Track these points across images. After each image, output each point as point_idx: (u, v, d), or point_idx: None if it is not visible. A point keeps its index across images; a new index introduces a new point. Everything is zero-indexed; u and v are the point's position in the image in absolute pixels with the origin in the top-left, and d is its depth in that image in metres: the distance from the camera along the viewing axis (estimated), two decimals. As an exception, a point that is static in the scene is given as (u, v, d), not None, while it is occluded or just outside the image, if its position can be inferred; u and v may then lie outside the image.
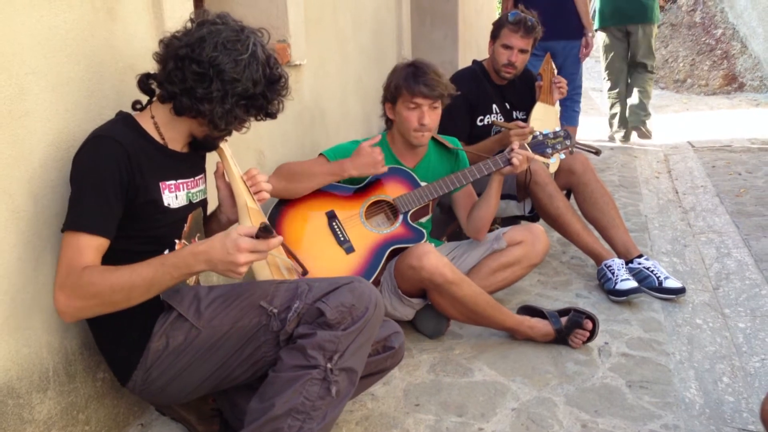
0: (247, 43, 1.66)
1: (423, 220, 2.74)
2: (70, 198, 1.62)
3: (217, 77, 1.63)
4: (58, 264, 1.58)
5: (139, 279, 1.57)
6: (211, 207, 2.04)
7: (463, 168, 2.74)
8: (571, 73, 5.20)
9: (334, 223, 2.53)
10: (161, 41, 1.71)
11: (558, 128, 2.81)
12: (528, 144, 2.72)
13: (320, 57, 3.33)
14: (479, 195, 2.75)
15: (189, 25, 1.69)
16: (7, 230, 1.57)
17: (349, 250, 2.49)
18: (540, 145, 2.73)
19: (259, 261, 1.77)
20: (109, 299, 1.58)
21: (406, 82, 2.58)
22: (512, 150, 2.57)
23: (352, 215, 2.57)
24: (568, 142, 2.77)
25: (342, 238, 2.51)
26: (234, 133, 1.82)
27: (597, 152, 3.09)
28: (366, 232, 2.54)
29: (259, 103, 1.73)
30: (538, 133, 2.78)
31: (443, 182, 2.64)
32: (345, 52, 3.71)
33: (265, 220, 2.03)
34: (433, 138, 2.78)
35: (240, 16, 1.75)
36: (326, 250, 2.50)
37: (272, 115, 1.80)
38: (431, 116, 2.60)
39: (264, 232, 1.54)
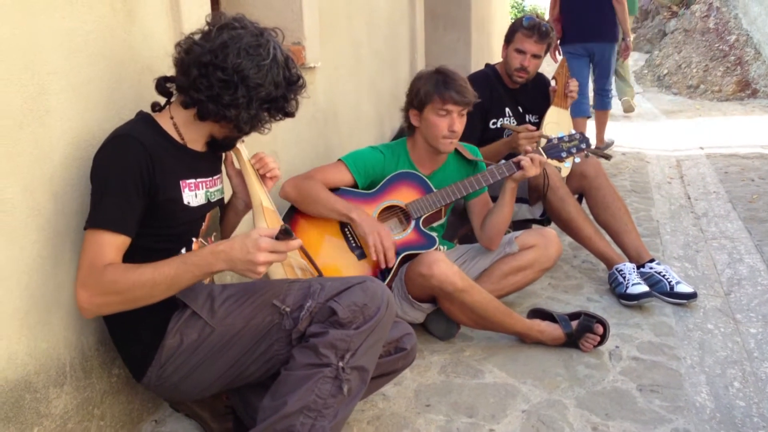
0: (268, 47, 1.69)
1: (435, 224, 2.75)
2: (92, 196, 1.64)
3: (242, 83, 1.66)
4: (80, 261, 1.61)
5: (161, 277, 1.59)
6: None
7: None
8: (605, 70, 5.77)
9: (346, 229, 2.55)
10: (179, 44, 1.73)
11: (573, 131, 2.80)
12: (542, 148, 2.71)
13: (334, 60, 3.36)
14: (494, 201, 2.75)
15: (207, 28, 1.72)
16: (27, 227, 1.60)
17: (361, 256, 2.51)
18: (554, 149, 2.73)
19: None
20: (131, 296, 1.60)
21: (436, 88, 2.56)
22: (523, 154, 2.58)
23: None
24: (583, 146, 2.75)
25: (354, 244, 2.52)
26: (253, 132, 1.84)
27: (607, 157, 3.08)
28: None
29: (280, 105, 1.76)
30: (553, 137, 2.77)
31: (455, 187, 2.64)
32: (359, 56, 3.74)
33: (281, 220, 2.06)
34: None
35: (256, 19, 1.77)
36: (338, 255, 2.51)
37: (291, 114, 1.83)
38: (461, 123, 2.59)
39: (284, 234, 1.55)
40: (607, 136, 6.34)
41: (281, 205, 2.40)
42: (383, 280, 2.46)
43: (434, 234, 2.62)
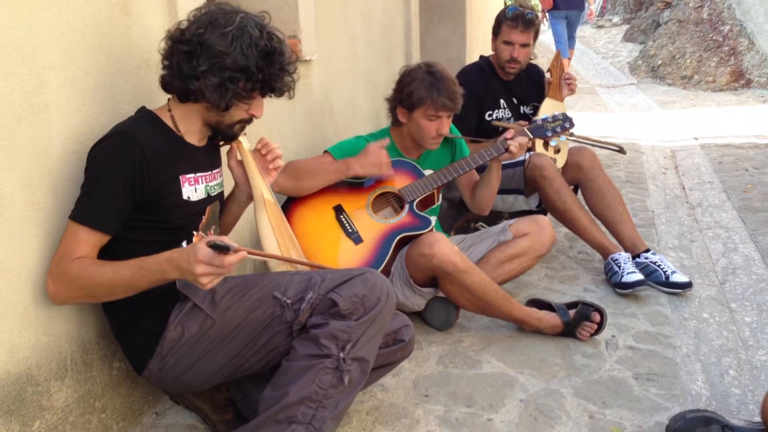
0: (235, 18, 1.67)
1: (430, 208, 2.77)
2: (82, 188, 1.65)
3: (203, 52, 1.65)
4: (56, 250, 1.62)
5: (119, 279, 1.59)
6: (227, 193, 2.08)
7: (465, 155, 2.80)
8: (574, 27, 9.03)
9: (342, 216, 2.56)
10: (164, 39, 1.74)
11: (556, 112, 2.86)
12: (528, 129, 2.77)
13: (330, 53, 3.36)
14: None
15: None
16: (27, 221, 1.60)
17: (358, 240, 2.52)
18: (540, 129, 2.79)
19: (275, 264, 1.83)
20: (93, 293, 1.63)
21: (428, 93, 2.55)
22: (509, 137, 2.63)
23: (359, 208, 2.60)
24: (567, 125, 2.81)
25: (350, 230, 2.53)
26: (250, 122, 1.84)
27: (621, 150, 3.09)
28: (373, 223, 2.57)
29: (256, 77, 1.70)
30: (537, 119, 2.84)
31: (447, 170, 2.68)
32: (354, 48, 3.74)
33: (282, 213, 2.06)
34: None
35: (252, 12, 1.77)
36: (335, 242, 2.53)
37: (279, 91, 1.79)
38: (448, 125, 2.65)
39: (215, 248, 1.46)
40: (607, 133, 6.58)
41: (281, 197, 2.40)
42: (380, 263, 2.47)
43: (430, 216, 2.64)
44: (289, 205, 2.58)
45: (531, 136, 2.74)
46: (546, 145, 3.38)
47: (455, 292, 2.52)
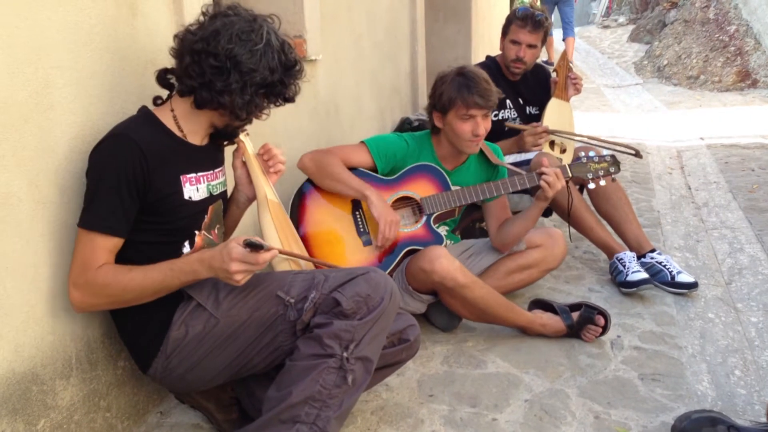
0: (261, 32, 1.68)
1: (448, 219, 2.76)
2: (86, 194, 1.65)
3: (234, 69, 1.66)
4: (73, 259, 1.64)
5: (150, 282, 1.65)
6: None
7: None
8: (567, 14, 10.25)
9: (357, 213, 2.55)
10: (176, 36, 1.74)
11: (605, 152, 2.74)
12: (569, 165, 2.68)
13: (335, 52, 3.36)
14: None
15: (202, 18, 1.72)
16: (34, 220, 1.61)
17: (367, 242, 2.52)
18: (582, 168, 2.68)
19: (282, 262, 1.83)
20: (121, 299, 1.66)
21: (459, 93, 2.51)
22: (544, 171, 2.51)
23: None
24: (612, 170, 2.69)
25: (362, 229, 2.53)
26: (254, 121, 1.84)
27: (637, 154, 3.02)
28: None
29: (277, 90, 1.75)
30: (582, 155, 2.72)
31: (473, 190, 2.62)
32: (359, 48, 3.74)
33: (286, 213, 2.06)
34: None
35: (257, 11, 1.77)
36: (345, 238, 2.52)
37: (291, 100, 1.82)
38: (485, 125, 2.56)
39: (250, 247, 1.57)
40: (612, 133, 6.60)
41: (285, 197, 2.40)
42: (386, 268, 2.47)
43: (443, 232, 2.63)
44: (311, 186, 2.58)
45: (570, 175, 2.65)
46: (552, 144, 3.37)
47: (456, 305, 2.51)
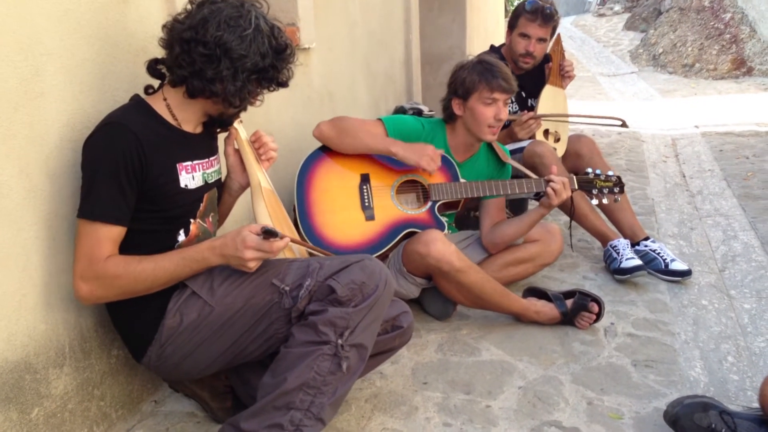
0: (249, 17, 1.67)
1: (449, 212, 2.76)
2: (83, 185, 1.64)
3: (224, 56, 1.65)
4: (77, 252, 1.62)
5: (162, 271, 1.66)
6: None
7: (505, 179, 2.73)
8: None
9: (364, 187, 2.55)
10: (164, 26, 1.72)
11: (611, 172, 2.75)
12: (576, 177, 2.69)
13: (329, 41, 3.34)
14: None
15: (189, 7, 1.71)
16: (24, 209, 1.60)
17: (370, 217, 2.51)
18: (588, 184, 2.70)
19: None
20: (132, 289, 1.67)
21: (483, 77, 2.54)
22: (552, 180, 2.51)
23: (384, 185, 2.59)
24: (616, 190, 2.70)
25: (366, 204, 2.53)
26: (248, 109, 1.84)
27: (624, 124, 3.01)
28: (391, 206, 2.56)
29: (270, 75, 1.75)
30: (590, 171, 2.73)
31: (482, 186, 2.62)
32: (353, 37, 3.72)
33: (279, 200, 2.06)
34: None
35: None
36: (348, 209, 2.52)
37: (284, 84, 1.82)
38: (505, 111, 2.59)
39: (266, 234, 1.61)
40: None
41: (280, 185, 2.40)
42: (381, 248, 2.47)
43: (445, 220, 2.63)
44: (322, 154, 2.58)
45: (576, 187, 2.66)
46: (546, 133, 3.37)
47: (451, 289, 2.52)
